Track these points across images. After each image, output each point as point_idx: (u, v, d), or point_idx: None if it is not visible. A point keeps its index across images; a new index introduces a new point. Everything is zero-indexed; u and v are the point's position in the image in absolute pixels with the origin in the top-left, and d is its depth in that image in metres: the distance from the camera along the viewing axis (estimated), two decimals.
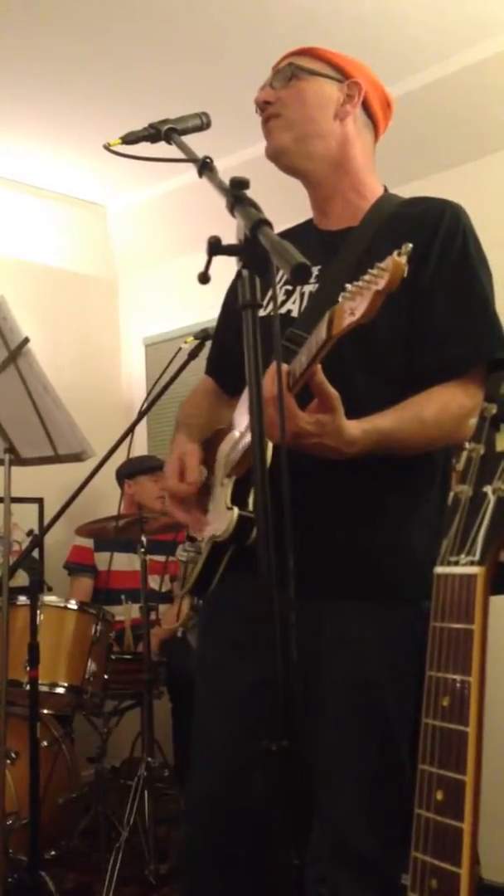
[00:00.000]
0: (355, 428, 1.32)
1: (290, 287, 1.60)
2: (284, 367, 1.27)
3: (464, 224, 1.54)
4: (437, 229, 1.51)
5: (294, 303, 1.58)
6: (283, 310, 1.57)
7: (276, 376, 1.15)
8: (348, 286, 1.12)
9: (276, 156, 1.61)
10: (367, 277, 1.10)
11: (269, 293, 1.55)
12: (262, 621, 1.03)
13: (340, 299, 1.17)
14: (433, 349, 1.47)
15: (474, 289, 1.51)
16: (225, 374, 1.80)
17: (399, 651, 1.45)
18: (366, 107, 1.64)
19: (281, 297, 1.57)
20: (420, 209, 1.57)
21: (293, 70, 1.60)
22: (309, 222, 1.72)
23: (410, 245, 1.09)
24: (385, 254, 1.50)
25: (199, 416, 1.77)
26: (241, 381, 1.64)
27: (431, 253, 1.49)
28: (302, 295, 1.58)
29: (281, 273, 1.56)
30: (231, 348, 1.71)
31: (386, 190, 1.67)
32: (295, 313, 1.57)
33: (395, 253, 1.08)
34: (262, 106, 1.61)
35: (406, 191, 1.68)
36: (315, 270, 1.55)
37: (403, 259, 1.07)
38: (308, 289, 1.58)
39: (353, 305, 1.13)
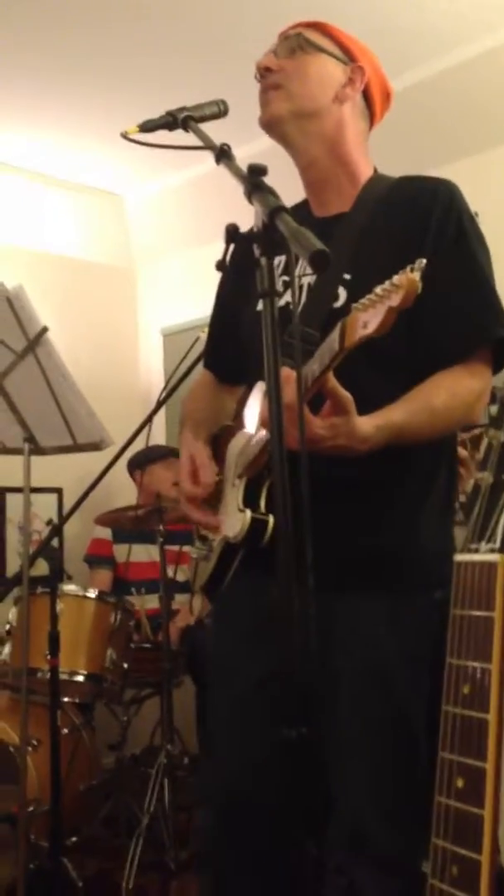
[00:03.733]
0: (367, 425, 1.31)
1: (286, 278, 1.57)
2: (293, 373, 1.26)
3: (458, 203, 1.52)
4: (432, 210, 1.49)
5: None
6: (281, 302, 1.54)
7: (297, 383, 1.14)
8: (356, 304, 1.10)
9: (270, 124, 1.57)
10: (379, 291, 1.09)
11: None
12: (280, 611, 1.03)
13: (353, 309, 1.16)
14: (436, 334, 1.46)
15: (473, 269, 1.49)
16: (223, 365, 1.80)
17: (412, 640, 1.44)
18: (366, 94, 1.61)
19: (279, 289, 1.55)
20: (413, 189, 1.55)
21: (300, 41, 1.56)
22: (304, 206, 1.68)
23: (424, 260, 1.07)
24: (382, 243, 1.49)
25: (203, 409, 1.77)
26: (240, 372, 1.63)
27: (427, 234, 1.47)
28: (301, 287, 1.56)
29: (276, 262, 1.55)
30: (228, 340, 1.70)
31: (376, 171, 1.64)
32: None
33: (409, 269, 1.07)
34: (263, 72, 1.58)
35: None
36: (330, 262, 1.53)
37: (417, 275, 1.06)
38: (305, 280, 1.55)
39: (367, 318, 1.12)
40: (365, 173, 1.61)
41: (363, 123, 1.63)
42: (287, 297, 1.54)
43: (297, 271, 1.55)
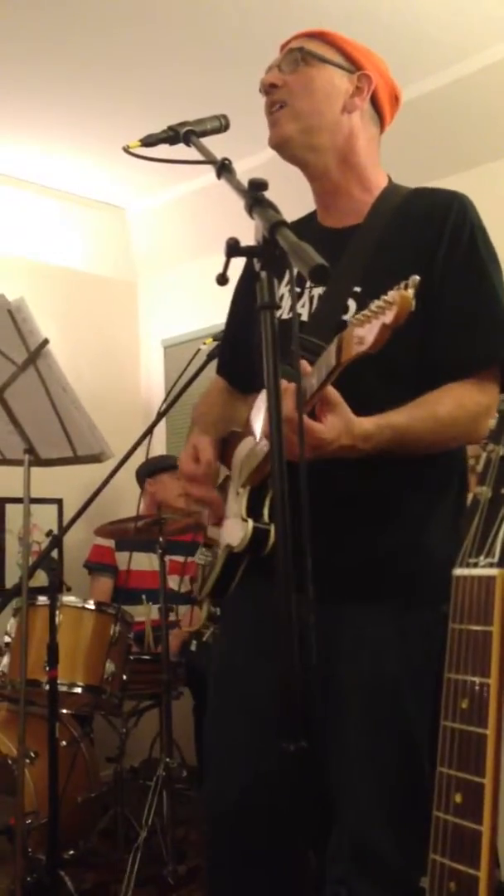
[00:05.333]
0: (368, 423, 1.32)
1: (298, 290, 1.58)
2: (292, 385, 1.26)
3: (471, 217, 1.52)
4: (445, 224, 1.49)
5: (303, 306, 1.57)
6: (292, 314, 1.55)
7: (297, 395, 1.15)
8: (353, 314, 1.11)
9: (280, 145, 1.57)
10: (374, 307, 1.09)
11: (278, 294, 1.54)
12: (281, 623, 1.03)
13: (349, 324, 1.16)
14: (444, 349, 1.46)
15: (484, 285, 1.49)
16: (236, 372, 1.80)
17: (417, 653, 1.44)
18: (373, 99, 1.60)
19: (290, 301, 1.56)
20: (427, 203, 1.55)
21: (303, 55, 1.55)
22: (312, 217, 1.69)
23: (418, 277, 1.07)
24: (394, 256, 1.50)
25: (213, 413, 1.77)
26: (253, 379, 1.64)
27: (440, 249, 1.47)
28: (311, 298, 1.57)
29: (288, 276, 1.56)
30: (241, 347, 1.71)
31: (390, 181, 1.64)
32: (304, 317, 1.55)
33: (402, 286, 1.06)
34: (268, 89, 1.57)
35: None
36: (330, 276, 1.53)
37: (411, 293, 1.06)
38: (316, 291, 1.56)
39: (362, 334, 1.12)
40: (378, 183, 1.61)
41: (373, 129, 1.63)
42: (296, 309, 1.55)
43: (309, 282, 1.56)
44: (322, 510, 1.19)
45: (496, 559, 0.81)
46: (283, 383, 1.20)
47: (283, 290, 1.58)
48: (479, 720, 0.78)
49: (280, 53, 1.61)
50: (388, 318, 1.06)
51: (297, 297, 1.58)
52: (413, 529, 1.49)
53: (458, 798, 0.77)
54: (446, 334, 1.46)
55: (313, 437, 1.26)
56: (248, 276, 1.71)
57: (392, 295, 1.07)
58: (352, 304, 1.50)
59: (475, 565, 0.82)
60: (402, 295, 1.05)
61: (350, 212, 1.60)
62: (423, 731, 1.43)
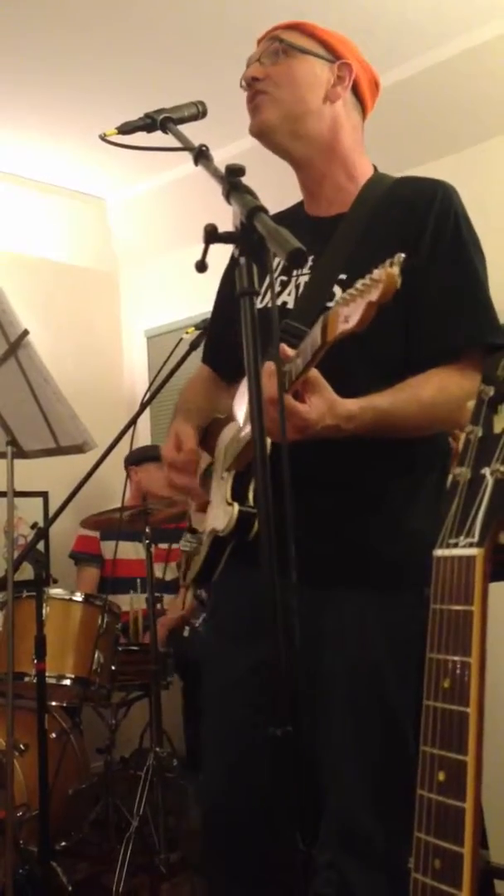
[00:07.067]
0: (352, 403, 1.32)
1: (284, 278, 1.59)
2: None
3: (455, 206, 1.52)
4: (429, 212, 1.49)
5: (289, 294, 1.57)
6: (278, 301, 1.56)
7: (277, 376, 1.15)
8: (339, 295, 1.11)
9: (262, 133, 1.57)
10: (359, 286, 1.10)
11: (265, 284, 1.55)
12: (265, 608, 1.04)
13: (335, 304, 1.16)
14: (428, 335, 1.47)
15: (467, 273, 1.50)
16: (221, 361, 1.80)
17: (401, 637, 1.45)
18: (354, 87, 1.60)
19: (276, 287, 1.56)
20: (411, 191, 1.55)
21: (283, 46, 1.55)
22: (298, 206, 1.69)
23: (403, 255, 1.08)
24: (378, 244, 1.50)
25: (197, 401, 1.77)
26: (237, 369, 1.64)
27: (423, 237, 1.48)
28: (297, 286, 1.57)
29: (277, 263, 1.56)
30: (227, 336, 1.71)
31: (376, 170, 1.64)
32: (290, 304, 1.55)
33: (388, 263, 1.07)
34: (250, 83, 1.57)
35: None
36: (308, 260, 1.54)
37: (396, 270, 1.06)
38: (302, 279, 1.56)
39: (348, 312, 1.12)
40: (364, 171, 1.62)
41: (356, 117, 1.63)
42: (283, 297, 1.55)
43: (295, 270, 1.56)
44: (305, 496, 1.19)
45: (476, 539, 0.81)
46: (269, 365, 1.21)
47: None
48: (460, 699, 0.78)
49: (257, 46, 1.60)
50: (374, 295, 1.07)
51: (283, 285, 1.59)
52: (396, 514, 1.50)
53: (441, 776, 0.77)
54: (430, 321, 1.47)
55: (298, 418, 1.26)
56: (233, 265, 1.70)
57: (378, 273, 1.07)
58: (337, 290, 1.50)
59: (455, 545, 0.83)
60: (388, 272, 1.06)
61: (336, 201, 1.60)
62: (406, 714, 1.44)
